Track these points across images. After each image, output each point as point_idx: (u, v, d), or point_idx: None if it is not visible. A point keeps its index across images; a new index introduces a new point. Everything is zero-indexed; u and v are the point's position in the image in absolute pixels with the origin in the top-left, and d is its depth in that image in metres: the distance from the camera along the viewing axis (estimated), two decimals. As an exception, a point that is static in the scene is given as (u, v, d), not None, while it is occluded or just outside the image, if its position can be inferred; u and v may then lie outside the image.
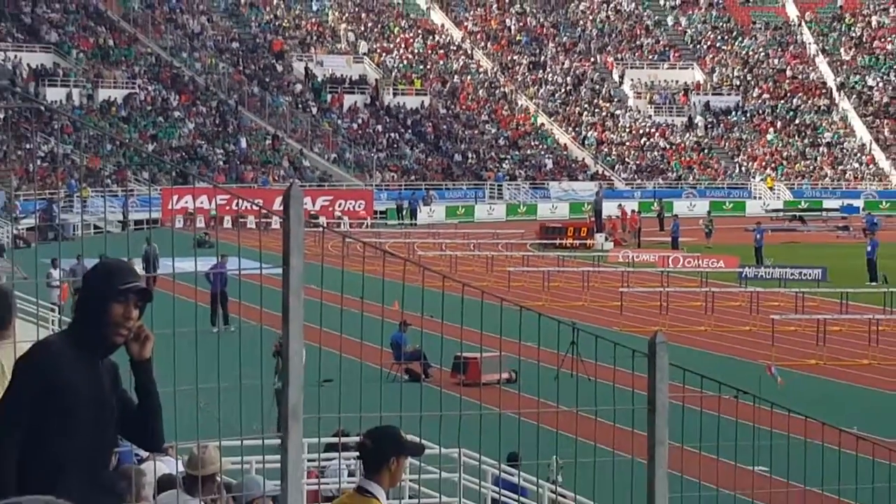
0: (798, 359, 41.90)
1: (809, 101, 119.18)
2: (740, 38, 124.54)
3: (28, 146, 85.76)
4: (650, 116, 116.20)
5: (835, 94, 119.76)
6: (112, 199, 76.80)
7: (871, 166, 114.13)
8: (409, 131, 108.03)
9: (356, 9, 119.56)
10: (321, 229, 51.34)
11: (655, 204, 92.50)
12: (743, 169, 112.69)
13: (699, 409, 9.97)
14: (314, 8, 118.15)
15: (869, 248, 63.38)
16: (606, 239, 78.31)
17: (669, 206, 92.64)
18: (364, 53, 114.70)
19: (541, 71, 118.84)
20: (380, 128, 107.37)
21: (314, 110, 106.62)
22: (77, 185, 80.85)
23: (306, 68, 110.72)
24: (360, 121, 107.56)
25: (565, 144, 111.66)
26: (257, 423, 8.31)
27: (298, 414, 8.09)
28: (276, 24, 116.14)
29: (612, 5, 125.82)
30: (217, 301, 41.40)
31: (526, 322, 9.24)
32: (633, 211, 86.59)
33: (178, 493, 10.44)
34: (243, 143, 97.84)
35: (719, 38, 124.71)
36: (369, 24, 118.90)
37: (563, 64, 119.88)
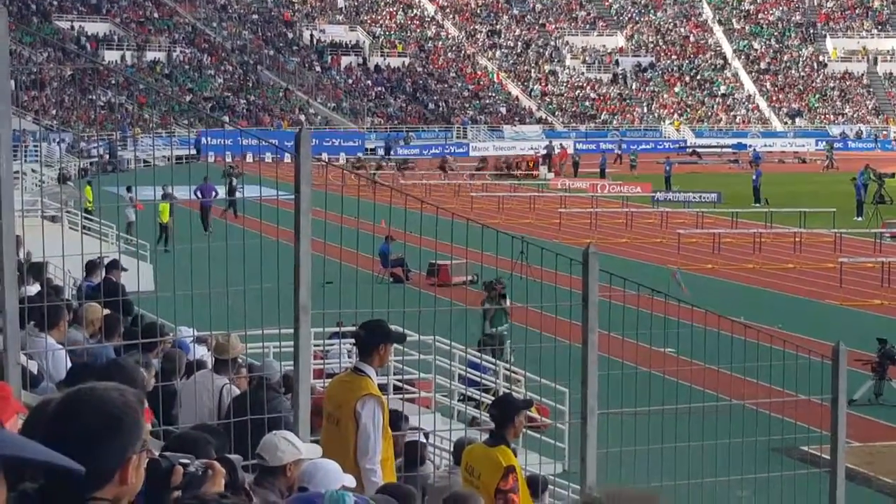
0: (698, 264, 41.99)
1: (708, 61, 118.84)
2: (654, 11, 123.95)
3: (91, 97, 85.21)
4: (583, 73, 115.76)
5: (728, 55, 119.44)
6: (158, 139, 76.27)
7: (756, 112, 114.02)
8: (393, 85, 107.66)
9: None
10: (324, 163, 51.17)
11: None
12: (656, 115, 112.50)
13: (622, 304, 9.97)
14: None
15: (754, 177, 63.45)
16: (549, 171, 78.22)
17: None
18: (358, 23, 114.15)
19: (497, 37, 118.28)
20: (370, 83, 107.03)
21: (318, 69, 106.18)
22: (129, 129, 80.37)
23: (311, 35, 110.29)
24: (354, 77, 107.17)
25: (517, 96, 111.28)
26: (275, 316, 8.27)
27: (308, 309, 8.07)
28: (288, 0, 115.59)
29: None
30: (203, 210, 42.30)
31: (486, 236, 9.21)
32: (561, 146, 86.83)
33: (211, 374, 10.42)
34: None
35: (638, 11, 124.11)
36: (361, 0, 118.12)
37: (515, 32, 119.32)
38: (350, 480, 6.84)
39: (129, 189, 38.70)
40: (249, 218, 9.48)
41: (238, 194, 38.11)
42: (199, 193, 41.54)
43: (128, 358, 8.12)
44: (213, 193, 42.33)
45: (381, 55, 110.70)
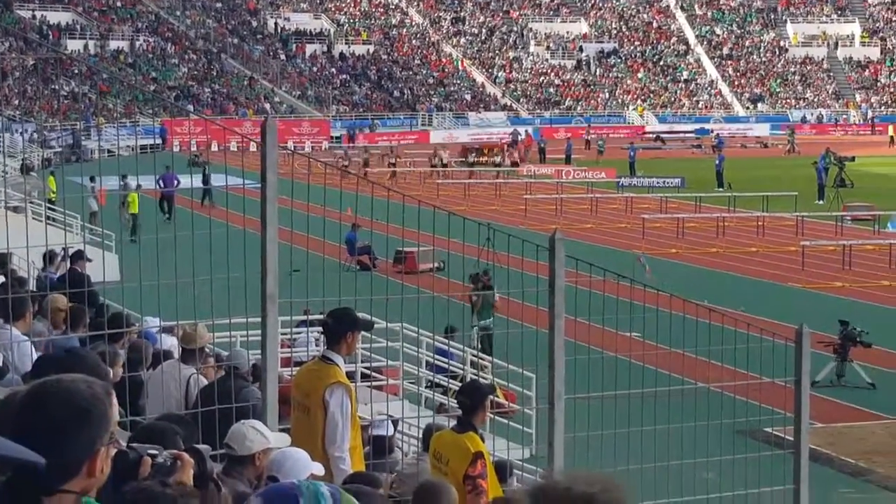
0: (662, 249, 42.10)
1: (671, 47, 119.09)
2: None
3: (53, 87, 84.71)
4: (547, 60, 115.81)
5: (690, 41, 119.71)
6: (122, 129, 75.93)
7: (718, 97, 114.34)
8: (358, 73, 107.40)
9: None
10: (290, 151, 51.00)
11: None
12: (619, 101, 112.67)
13: (588, 289, 9.98)
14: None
15: (717, 162, 63.61)
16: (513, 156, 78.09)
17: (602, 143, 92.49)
18: (322, 11, 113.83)
19: (461, 24, 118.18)
20: (334, 70, 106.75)
21: (283, 57, 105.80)
22: (93, 118, 79.94)
23: (276, 23, 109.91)
24: (318, 65, 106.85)
25: (481, 83, 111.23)
26: (242, 305, 8.24)
27: (275, 298, 8.04)
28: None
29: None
30: (165, 200, 42.25)
31: (452, 223, 9.20)
32: (526, 132, 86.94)
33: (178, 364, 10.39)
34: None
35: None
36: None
37: (479, 19, 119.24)
38: (319, 469, 6.83)
39: (92, 179, 38.53)
40: (216, 207, 9.45)
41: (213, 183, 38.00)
42: (161, 183, 41.55)
43: (86, 348, 8.08)
44: (176, 182, 42.22)
45: (346, 43, 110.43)
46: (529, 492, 3.34)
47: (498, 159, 72.25)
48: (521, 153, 79.43)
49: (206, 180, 39.80)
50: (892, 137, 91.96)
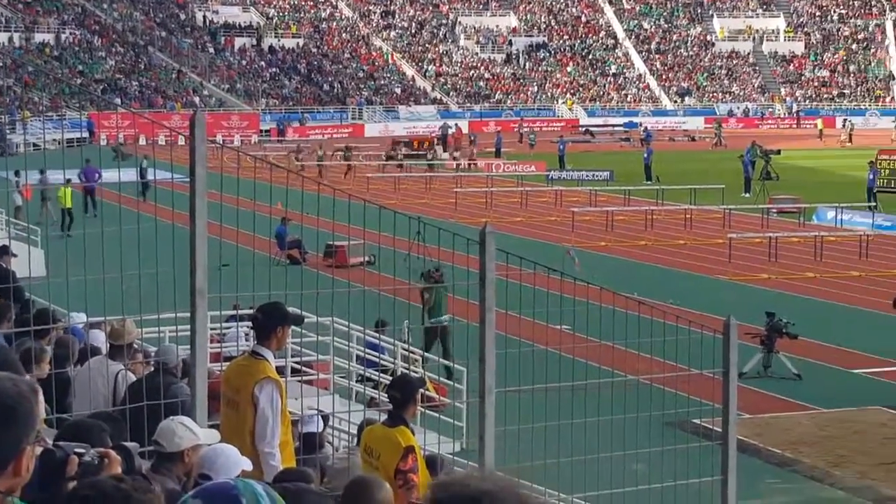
0: (592, 242, 42.27)
1: (599, 41, 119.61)
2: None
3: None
4: (477, 53, 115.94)
5: (619, 35, 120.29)
6: (48, 122, 75.18)
7: (646, 91, 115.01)
8: (288, 67, 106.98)
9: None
10: (220, 145, 50.75)
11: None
12: (549, 94, 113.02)
13: (519, 282, 9.97)
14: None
15: (645, 155, 63.97)
16: (444, 150, 78.10)
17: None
18: (251, 4, 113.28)
19: (391, 18, 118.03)
20: (264, 64, 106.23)
21: (211, 50, 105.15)
22: (18, 112, 79.07)
23: (204, 16, 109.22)
24: (248, 59, 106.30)
25: (411, 76, 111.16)
26: (171, 300, 8.16)
27: (204, 293, 7.97)
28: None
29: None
30: (88, 193, 41.91)
31: (382, 217, 9.16)
32: (456, 126, 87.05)
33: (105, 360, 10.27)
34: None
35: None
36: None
37: (409, 12, 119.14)
38: (248, 465, 6.77)
39: (16, 173, 38.10)
40: (144, 202, 9.35)
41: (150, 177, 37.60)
42: (83, 177, 41.28)
43: (9, 346, 7.97)
44: (97, 176, 41.92)
45: (276, 36, 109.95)
46: (428, 490, 3.36)
47: (445, 154, 72.44)
48: (450, 147, 79.45)
49: (142, 174, 39.48)
50: (821, 131, 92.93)
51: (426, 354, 19.77)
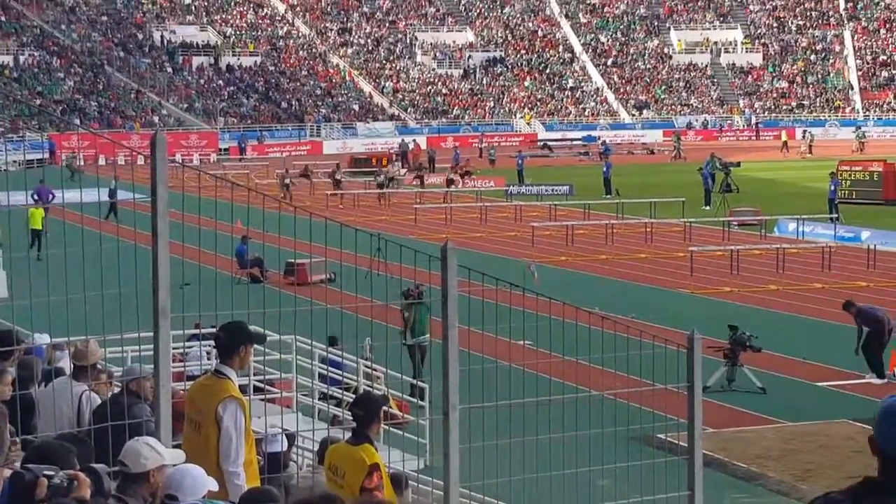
0: (552, 256, 42.34)
1: (556, 55, 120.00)
2: (502, 7, 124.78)
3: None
4: (434, 69, 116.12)
5: (575, 49, 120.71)
6: (8, 143, 74.78)
7: (604, 105, 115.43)
8: (246, 85, 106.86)
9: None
10: (180, 164, 50.63)
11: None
12: (507, 109, 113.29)
13: (481, 298, 10.01)
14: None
15: (604, 169, 64.14)
16: (402, 166, 78.07)
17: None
18: (208, 23, 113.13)
19: (348, 35, 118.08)
20: (221, 82, 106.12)
21: (169, 70, 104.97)
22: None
23: (162, 36, 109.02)
24: (206, 77, 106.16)
25: (369, 93, 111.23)
26: (134, 320, 8.16)
27: (167, 312, 7.98)
28: (138, 0, 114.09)
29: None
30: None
31: (344, 234, 9.19)
32: (414, 142, 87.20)
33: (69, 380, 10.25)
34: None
35: (486, 6, 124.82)
36: (211, 0, 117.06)
37: (365, 29, 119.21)
38: (214, 485, 6.77)
39: None
40: (105, 222, 9.34)
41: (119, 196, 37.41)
42: (35, 196, 41.05)
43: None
44: (50, 196, 41.76)
45: (233, 55, 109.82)
46: None
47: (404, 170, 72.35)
48: (409, 163, 79.48)
49: (112, 194, 39.25)
50: (785, 142, 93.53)
51: (389, 371, 19.75)
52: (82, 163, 65.82)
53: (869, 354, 25.26)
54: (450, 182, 63.45)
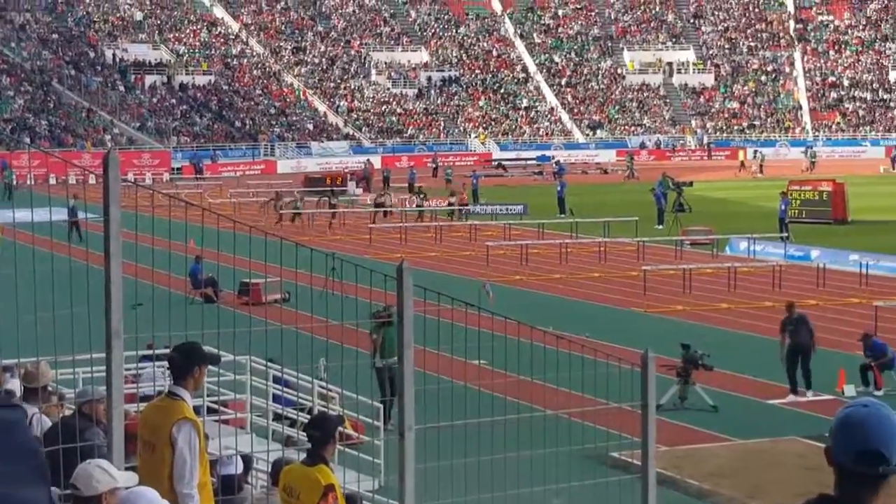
0: (507, 276, 42.38)
1: (511, 75, 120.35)
2: (457, 27, 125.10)
3: None
4: (389, 89, 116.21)
5: (530, 69, 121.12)
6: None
7: (558, 124, 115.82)
8: (199, 104, 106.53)
9: (153, 6, 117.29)
10: (132, 184, 50.36)
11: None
12: (461, 129, 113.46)
13: (437, 318, 9.99)
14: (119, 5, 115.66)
15: (558, 188, 64.28)
16: (357, 186, 78.06)
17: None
18: (161, 42, 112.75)
19: (302, 54, 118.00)
20: (174, 101, 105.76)
21: (121, 88, 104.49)
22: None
23: (114, 54, 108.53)
24: (158, 96, 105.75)
25: (323, 112, 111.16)
26: (85, 342, 8.08)
27: (120, 334, 7.90)
28: (89, 18, 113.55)
29: (356, 1, 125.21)
30: None
31: (299, 254, 9.15)
32: (368, 161, 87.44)
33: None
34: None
35: (441, 26, 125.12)
36: (164, 19, 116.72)
37: (320, 48, 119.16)
38: (168, 507, 6.71)
39: None
40: (57, 242, 9.26)
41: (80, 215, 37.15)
42: None
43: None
44: None
45: (186, 73, 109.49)
46: None
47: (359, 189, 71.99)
48: (363, 182, 79.44)
49: (72, 213, 38.84)
50: (742, 163, 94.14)
51: (344, 392, 19.65)
52: (32, 181, 65.28)
53: (796, 367, 25.67)
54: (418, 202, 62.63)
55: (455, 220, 57.59)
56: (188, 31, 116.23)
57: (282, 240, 8.87)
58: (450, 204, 62.08)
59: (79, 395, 10.43)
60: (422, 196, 60.89)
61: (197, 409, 10.03)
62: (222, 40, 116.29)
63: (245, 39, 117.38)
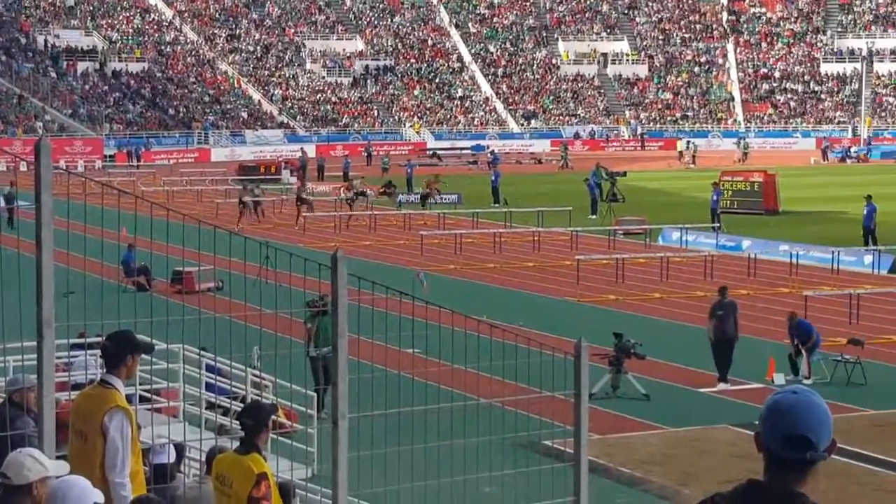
0: (441, 265, 42.42)
1: (446, 65, 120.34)
2: (393, 16, 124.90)
3: None
4: (323, 77, 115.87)
5: (465, 58, 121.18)
6: None
7: (493, 114, 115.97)
8: (132, 91, 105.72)
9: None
10: (64, 171, 49.85)
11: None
12: (396, 118, 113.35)
13: (371, 307, 9.99)
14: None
15: (493, 178, 64.40)
16: (291, 174, 77.76)
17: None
18: (94, 28, 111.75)
19: (237, 41, 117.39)
20: (107, 88, 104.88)
21: (53, 75, 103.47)
22: None
23: (46, 41, 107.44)
24: (91, 83, 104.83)
25: (258, 100, 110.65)
26: (16, 330, 8.02)
27: (51, 322, 7.85)
28: (20, 3, 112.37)
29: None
30: None
31: (233, 242, 9.12)
32: (302, 150, 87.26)
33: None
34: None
35: (376, 15, 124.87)
36: (96, 5, 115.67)
37: (254, 36, 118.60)
38: (100, 496, 6.67)
39: None
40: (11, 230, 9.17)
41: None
42: None
43: None
44: None
45: (119, 60, 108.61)
46: None
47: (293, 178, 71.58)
48: (297, 171, 79.16)
49: (9, 199, 38.31)
50: (681, 153, 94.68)
51: (278, 380, 19.60)
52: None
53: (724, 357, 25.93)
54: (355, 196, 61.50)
55: (426, 210, 56.94)
56: (121, 17, 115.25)
57: (215, 228, 8.85)
58: (384, 191, 62.02)
59: (9, 384, 10.35)
60: (353, 190, 59.66)
61: (129, 398, 9.98)
62: (156, 27, 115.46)
63: (179, 26, 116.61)
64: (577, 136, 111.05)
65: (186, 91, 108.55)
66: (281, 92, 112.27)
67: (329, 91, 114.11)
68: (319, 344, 22.15)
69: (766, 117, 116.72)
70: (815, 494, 3.93)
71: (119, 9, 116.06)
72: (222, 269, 28.26)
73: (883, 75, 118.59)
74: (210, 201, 59.84)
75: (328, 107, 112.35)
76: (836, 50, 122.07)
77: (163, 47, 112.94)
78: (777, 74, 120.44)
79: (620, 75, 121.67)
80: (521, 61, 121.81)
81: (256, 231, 47.16)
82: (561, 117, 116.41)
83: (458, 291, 35.82)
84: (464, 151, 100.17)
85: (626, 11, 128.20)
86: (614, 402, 24.14)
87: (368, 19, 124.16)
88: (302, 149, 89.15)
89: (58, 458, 7.46)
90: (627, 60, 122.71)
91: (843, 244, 43.60)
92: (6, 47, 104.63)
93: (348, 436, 9.07)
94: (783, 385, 24.54)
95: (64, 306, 8.37)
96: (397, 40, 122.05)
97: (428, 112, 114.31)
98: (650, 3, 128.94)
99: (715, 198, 52.99)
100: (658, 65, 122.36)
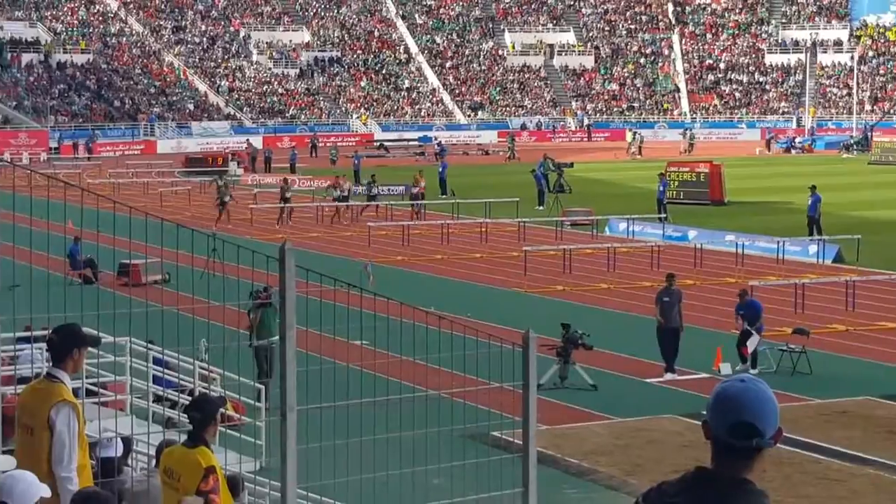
0: (388, 256, 42.39)
1: (392, 56, 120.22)
2: (339, 7, 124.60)
3: None
4: (270, 69, 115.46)
5: (412, 50, 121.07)
6: None
7: (440, 105, 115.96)
8: (77, 83, 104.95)
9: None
10: (9, 164, 49.53)
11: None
12: (343, 109, 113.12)
13: (319, 299, 9.98)
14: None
15: (440, 169, 64.43)
16: (238, 165, 77.51)
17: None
18: (38, 20, 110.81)
19: (182, 33, 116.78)
20: (52, 80, 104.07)
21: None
22: None
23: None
24: (35, 75, 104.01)
25: (204, 92, 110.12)
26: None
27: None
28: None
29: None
30: None
31: (180, 234, 9.08)
32: (248, 142, 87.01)
33: None
34: None
35: (322, 6, 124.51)
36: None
37: (200, 28, 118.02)
38: (47, 491, 6.64)
39: None
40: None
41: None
42: None
43: None
44: None
45: (64, 52, 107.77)
46: None
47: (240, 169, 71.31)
48: (244, 162, 78.95)
49: None
50: (630, 143, 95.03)
51: (225, 373, 19.54)
52: None
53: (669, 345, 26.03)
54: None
55: (415, 210, 55.91)
56: (66, 8, 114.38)
57: (162, 220, 8.81)
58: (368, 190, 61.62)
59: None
60: (339, 190, 58.37)
61: (76, 392, 9.93)
62: (101, 18, 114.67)
63: (124, 18, 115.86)
64: (524, 127, 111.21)
65: (132, 83, 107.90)
66: (227, 83, 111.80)
67: (276, 82, 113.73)
68: (262, 335, 22.14)
69: (711, 108, 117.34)
70: (761, 482, 3.97)
71: (64, 0, 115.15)
72: (169, 262, 28.11)
73: (826, 66, 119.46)
74: (155, 192, 59.50)
75: (275, 98, 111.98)
76: (780, 41, 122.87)
77: (108, 39, 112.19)
78: (722, 65, 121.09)
79: (567, 66, 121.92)
80: (467, 52, 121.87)
81: (202, 222, 46.95)
82: (508, 108, 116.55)
83: (405, 283, 35.82)
84: (411, 143, 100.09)
85: (572, 3, 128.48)
86: (562, 392, 24.21)
87: (315, 10, 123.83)
88: (248, 140, 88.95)
89: (4, 452, 7.43)
90: (574, 52, 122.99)
91: (788, 234, 43.92)
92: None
93: (297, 428, 9.05)
94: (730, 375, 24.68)
95: (10, 299, 8.32)
96: (344, 31, 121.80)
97: (375, 103, 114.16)
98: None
99: (661, 188, 53.22)
100: (604, 56, 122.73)
